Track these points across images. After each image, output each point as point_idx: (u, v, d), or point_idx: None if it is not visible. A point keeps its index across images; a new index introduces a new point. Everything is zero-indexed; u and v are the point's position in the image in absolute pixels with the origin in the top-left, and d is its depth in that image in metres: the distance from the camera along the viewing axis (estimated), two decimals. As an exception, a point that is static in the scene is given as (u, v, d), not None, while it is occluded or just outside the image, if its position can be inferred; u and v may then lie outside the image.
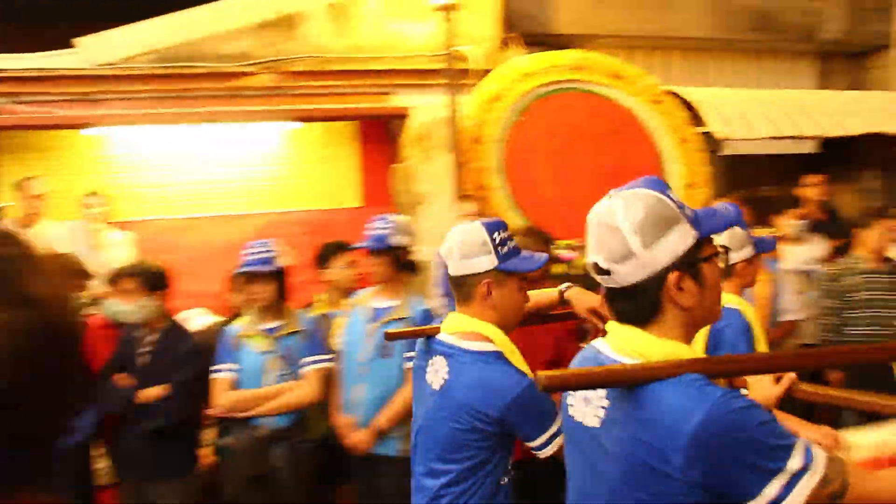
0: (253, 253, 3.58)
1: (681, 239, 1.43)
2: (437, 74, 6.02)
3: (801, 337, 4.86)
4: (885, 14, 8.11)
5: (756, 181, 7.04)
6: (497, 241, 2.20)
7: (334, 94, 6.11)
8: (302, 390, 3.58)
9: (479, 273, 2.19)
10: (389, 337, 2.60)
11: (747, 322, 3.00)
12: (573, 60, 6.15)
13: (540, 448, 2.15)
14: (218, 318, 4.51)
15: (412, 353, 2.67)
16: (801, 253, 5.37)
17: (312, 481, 3.62)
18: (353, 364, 3.62)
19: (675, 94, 6.27)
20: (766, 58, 8.04)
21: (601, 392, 1.49)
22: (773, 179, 7.12)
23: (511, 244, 2.24)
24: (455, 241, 2.23)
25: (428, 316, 3.56)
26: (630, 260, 1.43)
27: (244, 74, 6.00)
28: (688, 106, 6.21)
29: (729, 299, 2.94)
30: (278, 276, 3.61)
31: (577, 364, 1.62)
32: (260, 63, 6.04)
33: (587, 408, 1.53)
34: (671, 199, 1.47)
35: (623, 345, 1.48)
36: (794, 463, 1.28)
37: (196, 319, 4.52)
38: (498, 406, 2.10)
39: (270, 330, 3.61)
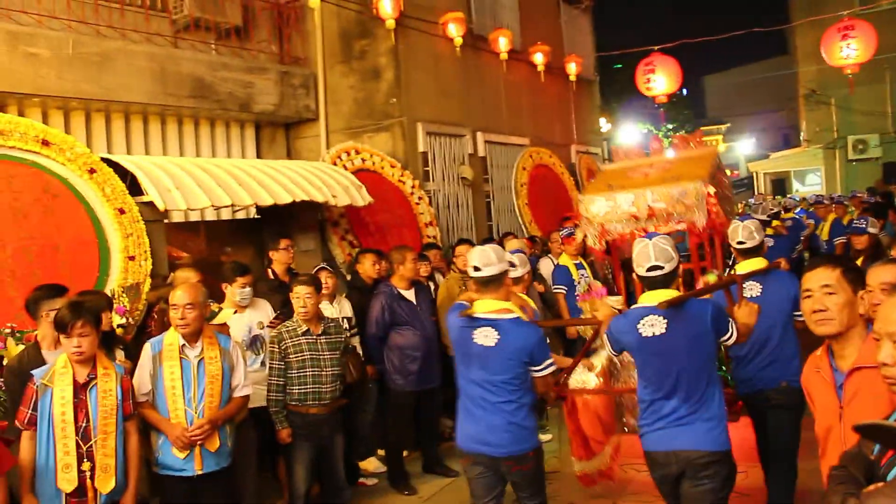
0: None
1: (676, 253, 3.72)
2: None
3: (252, 403, 4.94)
4: (312, 91, 8.99)
5: (203, 247, 7.17)
6: None
7: None
8: None
9: (505, 270, 4.02)
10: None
11: (533, 307, 5.17)
12: (-6, 124, 5.54)
13: (541, 370, 3.96)
14: None
15: None
16: (247, 320, 5.54)
17: None
18: None
19: (113, 163, 6.04)
20: (208, 125, 8.30)
21: (660, 318, 3.60)
22: (220, 244, 7.32)
23: None
24: (490, 255, 3.96)
25: None
26: (671, 261, 3.64)
27: None
28: (126, 174, 6.03)
29: (520, 297, 4.94)
30: None
31: (635, 318, 3.71)
32: None
33: (654, 328, 3.60)
34: None
35: (659, 298, 3.57)
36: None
37: None
38: (529, 346, 3.90)
39: None
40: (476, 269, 3.93)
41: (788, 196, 21.83)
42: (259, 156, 8.71)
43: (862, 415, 2.55)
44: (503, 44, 10.96)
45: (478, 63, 11.01)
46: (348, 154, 8.66)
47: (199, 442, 4.23)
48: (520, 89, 12.22)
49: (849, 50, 12.01)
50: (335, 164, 8.31)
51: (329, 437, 5.22)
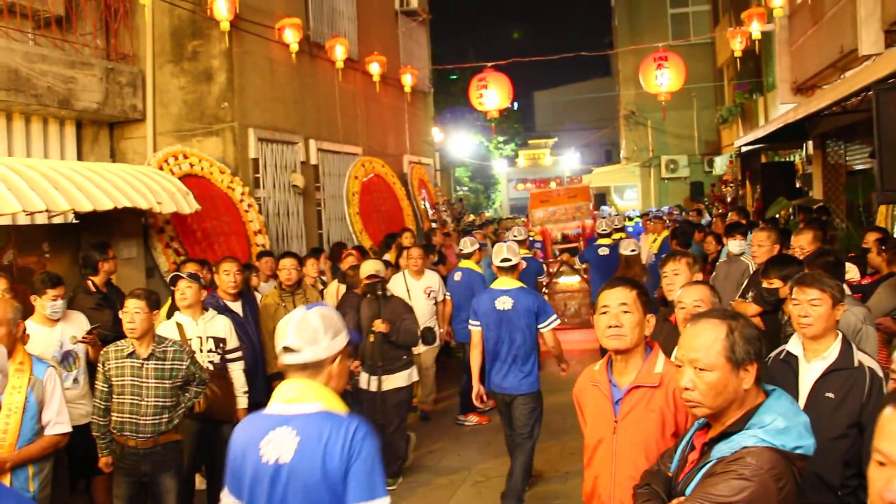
0: None
1: None
2: None
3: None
4: (139, 90, 8.66)
5: (13, 250, 6.73)
6: None
7: None
8: None
9: (518, 262, 6.30)
10: None
11: None
12: None
13: (546, 326, 6.00)
14: None
15: None
16: (59, 334, 5.26)
17: None
18: None
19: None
20: (23, 121, 7.79)
21: (606, 249, 10.09)
22: (32, 248, 6.91)
23: None
24: (514, 249, 6.20)
25: None
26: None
27: None
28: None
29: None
30: None
31: (597, 247, 10.36)
32: None
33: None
34: None
35: (607, 240, 10.50)
36: None
37: None
38: (536, 305, 6.15)
39: None
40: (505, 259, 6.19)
41: (626, 213, 23.56)
42: (80, 157, 8.26)
43: (634, 429, 2.83)
44: (339, 52, 10.99)
45: (313, 70, 10.99)
46: (176, 158, 8.42)
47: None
48: (355, 98, 12.29)
49: (662, 78, 12.93)
50: (162, 168, 8.06)
51: (151, 475, 4.70)
